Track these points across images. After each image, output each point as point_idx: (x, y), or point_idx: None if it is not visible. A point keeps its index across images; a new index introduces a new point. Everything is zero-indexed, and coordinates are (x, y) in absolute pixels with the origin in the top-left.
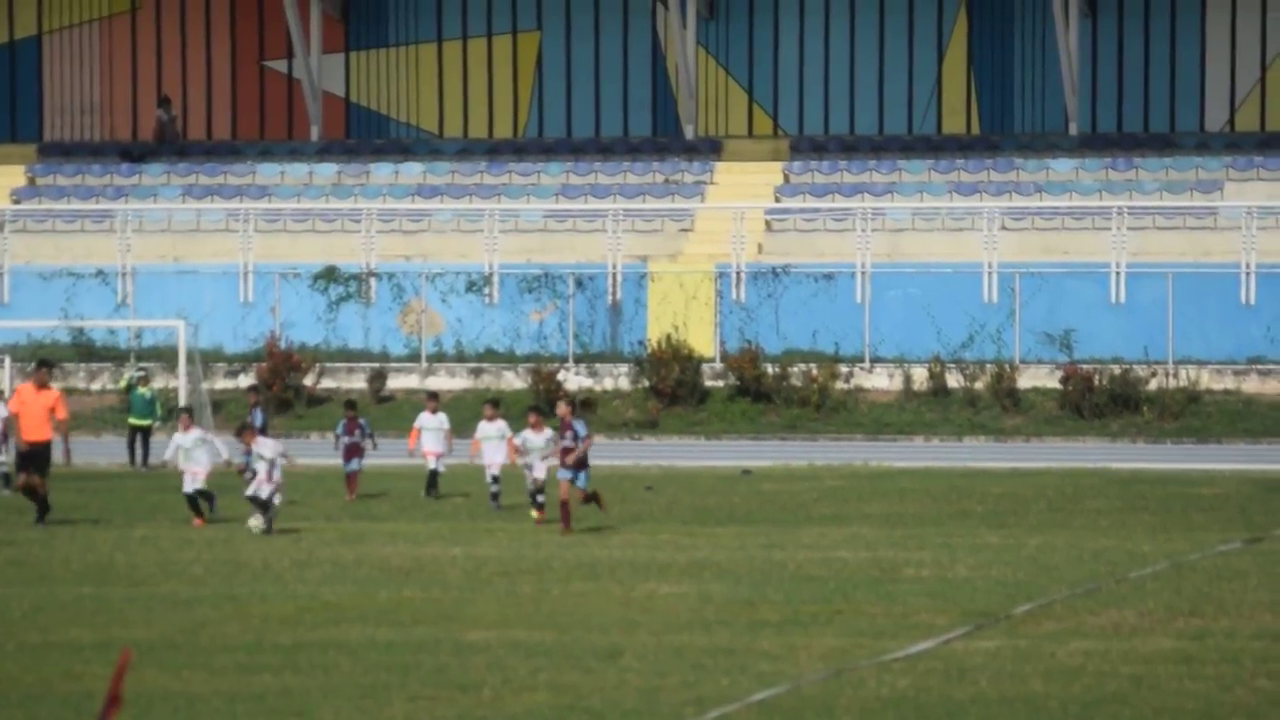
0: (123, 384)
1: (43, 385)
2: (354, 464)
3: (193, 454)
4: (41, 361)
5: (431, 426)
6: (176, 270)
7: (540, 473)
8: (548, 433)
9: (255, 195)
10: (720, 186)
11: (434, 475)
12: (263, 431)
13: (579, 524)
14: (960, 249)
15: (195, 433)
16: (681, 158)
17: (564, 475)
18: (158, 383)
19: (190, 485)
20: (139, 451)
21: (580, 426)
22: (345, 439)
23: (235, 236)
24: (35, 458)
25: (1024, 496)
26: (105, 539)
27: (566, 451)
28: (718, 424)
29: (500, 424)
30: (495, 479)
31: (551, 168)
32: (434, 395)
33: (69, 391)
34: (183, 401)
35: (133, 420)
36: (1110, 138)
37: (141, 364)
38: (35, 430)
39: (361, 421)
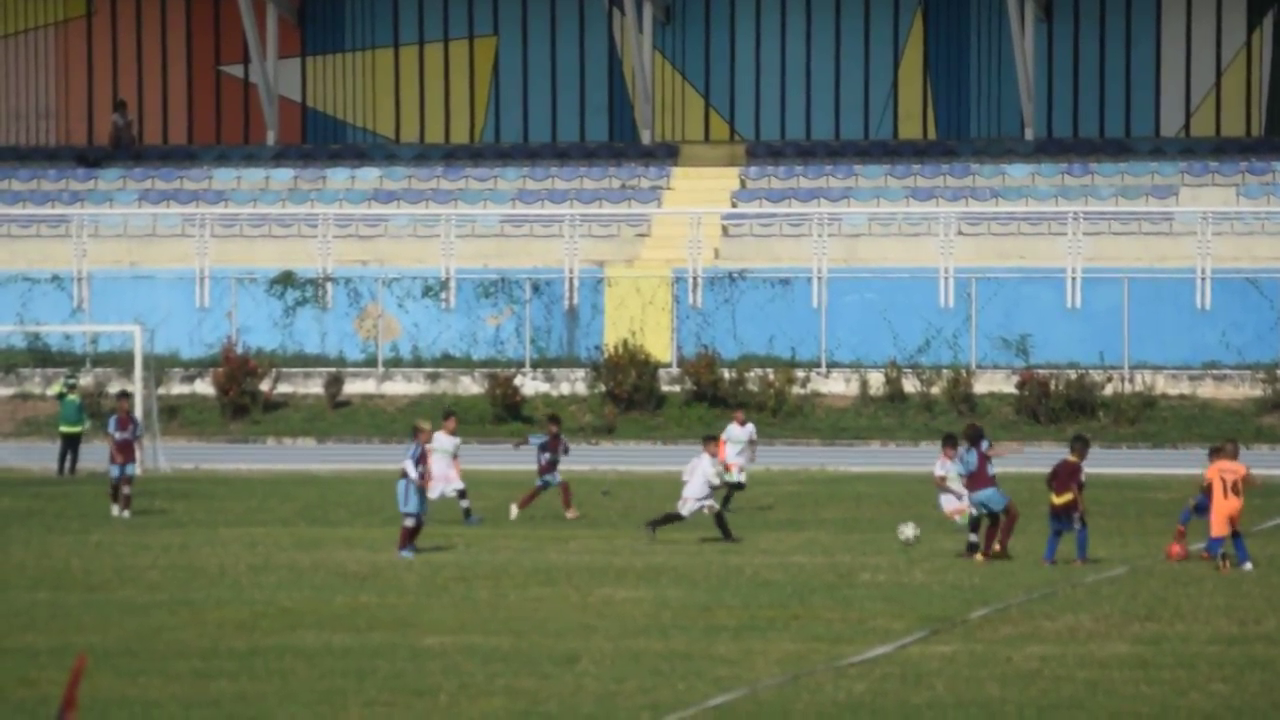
0: (54, 391)
1: None
2: (555, 477)
3: None
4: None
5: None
6: (133, 275)
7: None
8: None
9: (211, 200)
10: (677, 191)
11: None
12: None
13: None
14: (917, 254)
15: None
16: (638, 163)
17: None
18: (114, 388)
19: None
20: (69, 460)
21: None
22: (547, 454)
23: (191, 241)
24: None
25: None
26: (60, 544)
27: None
28: (674, 429)
29: (456, 440)
30: (461, 493)
31: (508, 173)
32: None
33: (24, 397)
34: (139, 407)
35: (63, 428)
36: (1066, 143)
37: (70, 373)
38: None
39: (565, 439)
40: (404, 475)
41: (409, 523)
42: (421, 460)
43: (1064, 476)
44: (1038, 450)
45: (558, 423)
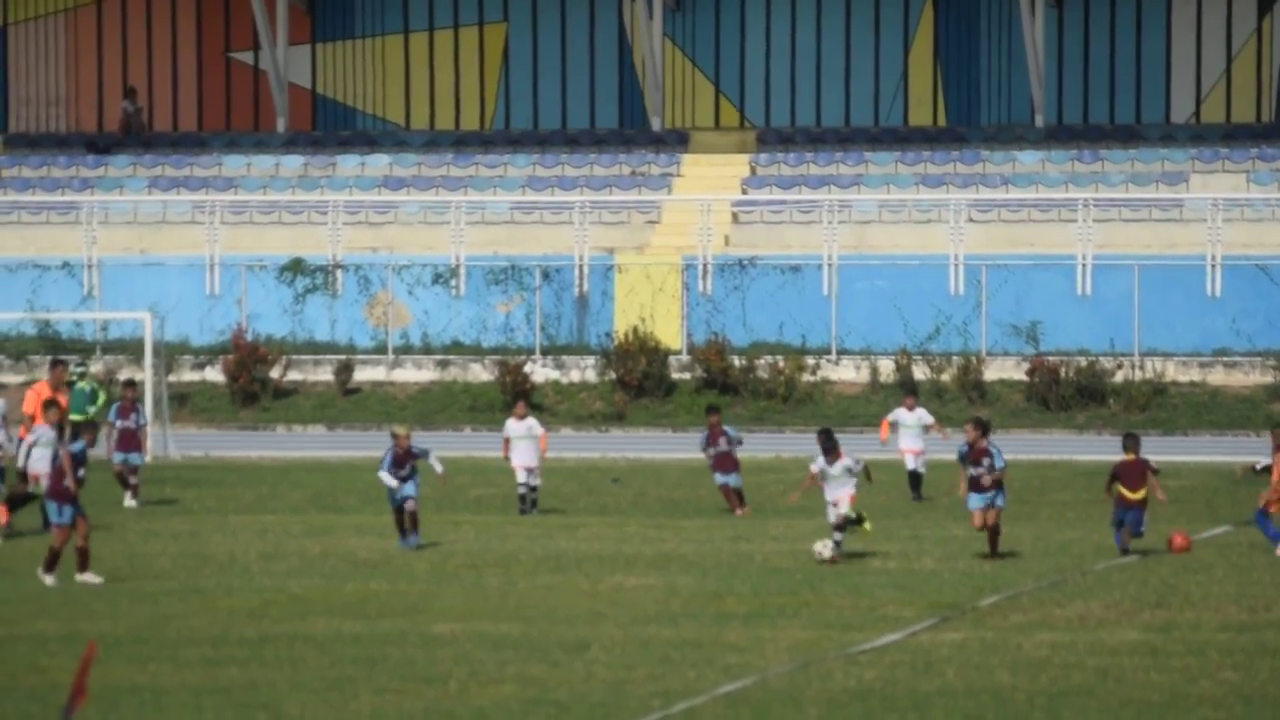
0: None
1: (58, 386)
2: (733, 478)
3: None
4: (56, 360)
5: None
6: (143, 262)
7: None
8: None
9: (221, 187)
10: (687, 178)
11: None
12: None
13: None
14: (927, 241)
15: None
16: (648, 150)
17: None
18: (123, 375)
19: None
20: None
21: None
22: (713, 449)
23: (201, 228)
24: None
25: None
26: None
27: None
28: (684, 416)
29: (530, 421)
30: (528, 481)
31: (518, 160)
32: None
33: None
34: (148, 394)
35: (73, 416)
36: (1076, 130)
37: (79, 359)
38: None
39: (727, 429)
40: (386, 485)
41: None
42: (399, 463)
43: (1135, 474)
44: (1047, 438)
45: (717, 412)
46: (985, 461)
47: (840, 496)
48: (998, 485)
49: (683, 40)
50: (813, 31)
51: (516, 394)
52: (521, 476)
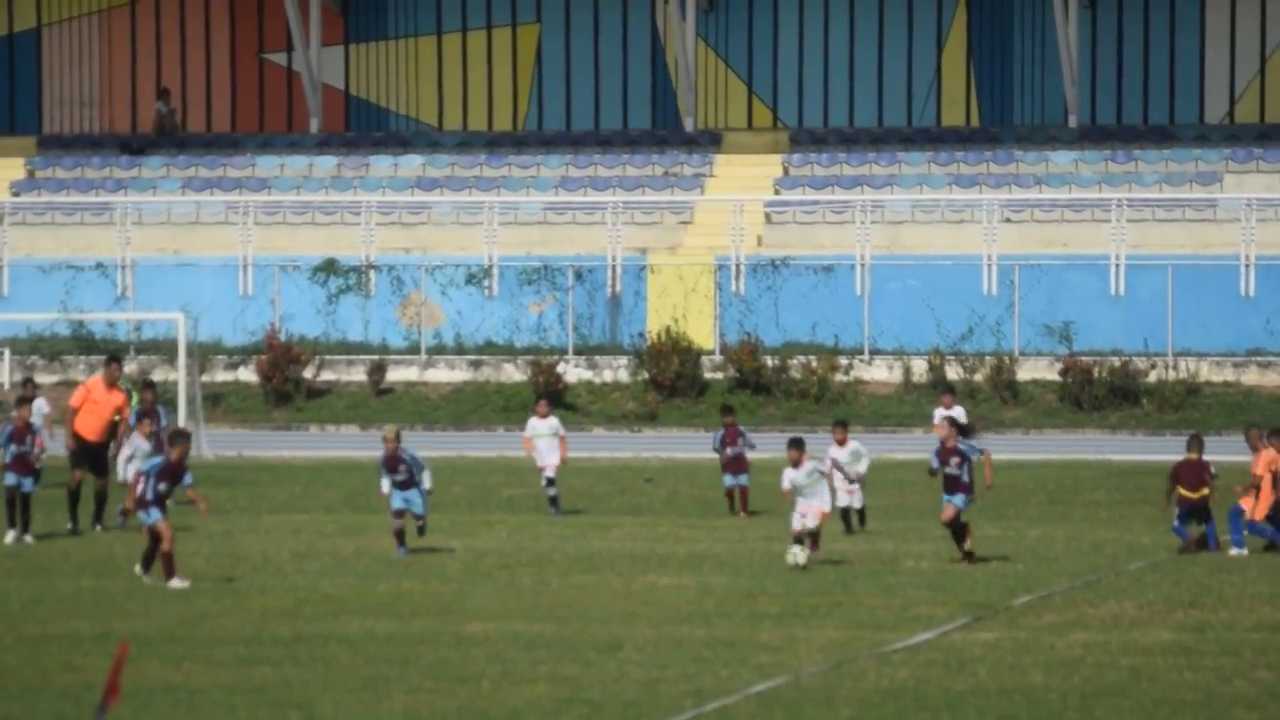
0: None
1: (113, 383)
2: (744, 479)
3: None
4: (112, 357)
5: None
6: (176, 263)
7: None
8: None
9: (254, 188)
10: (719, 179)
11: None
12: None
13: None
14: (960, 241)
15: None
16: (681, 150)
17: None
18: (157, 375)
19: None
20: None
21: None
22: (729, 450)
23: (235, 229)
24: (92, 456)
25: (1023, 489)
26: (104, 532)
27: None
28: (717, 416)
29: (553, 421)
30: (550, 481)
31: (551, 160)
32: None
33: (68, 384)
34: (181, 394)
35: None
36: (1110, 130)
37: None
38: (96, 429)
39: (742, 429)
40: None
41: (395, 524)
42: (390, 467)
43: (1194, 475)
44: (1080, 438)
45: (732, 412)
46: (954, 461)
47: (810, 509)
48: (965, 486)
49: (715, 40)
50: (846, 31)
51: (541, 394)
52: (550, 472)
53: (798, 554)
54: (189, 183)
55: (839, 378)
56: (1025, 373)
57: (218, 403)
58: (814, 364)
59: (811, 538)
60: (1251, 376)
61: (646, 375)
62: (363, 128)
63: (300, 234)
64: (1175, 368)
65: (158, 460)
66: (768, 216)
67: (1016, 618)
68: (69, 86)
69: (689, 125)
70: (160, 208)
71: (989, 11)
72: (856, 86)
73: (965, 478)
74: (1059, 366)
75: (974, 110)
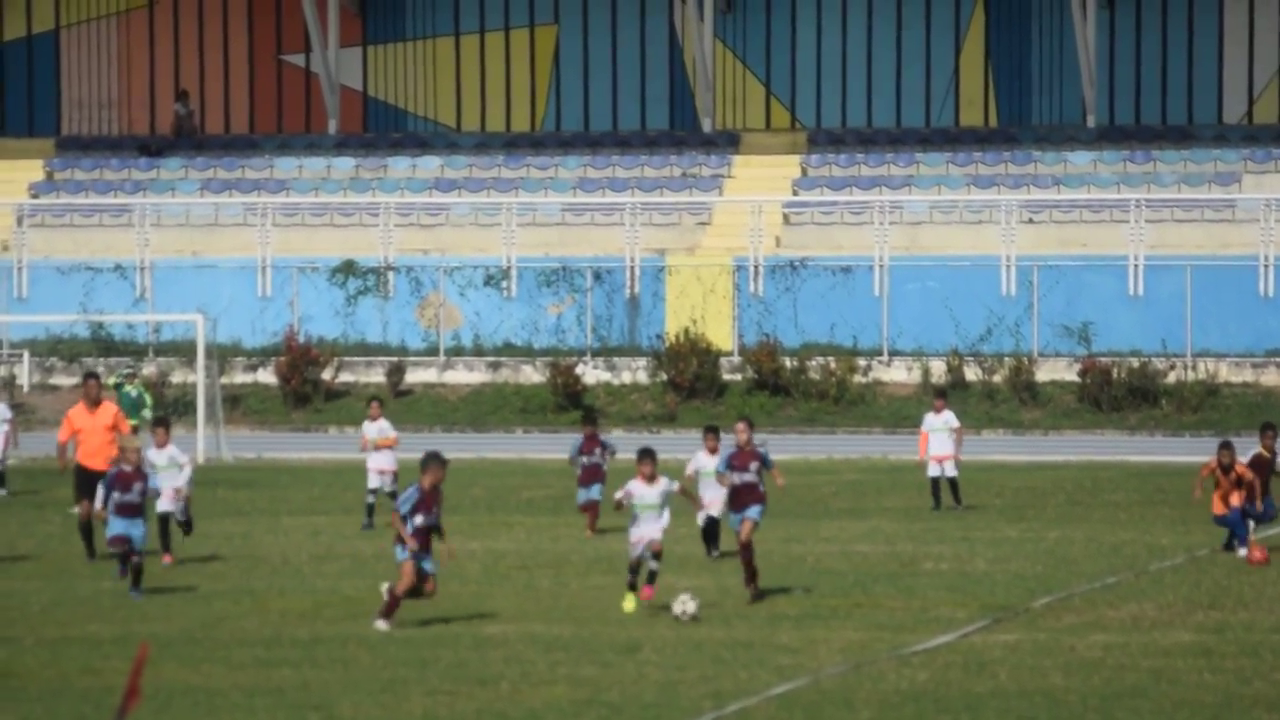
0: (110, 383)
1: (95, 402)
2: (595, 491)
3: (164, 474)
4: (89, 374)
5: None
6: (195, 264)
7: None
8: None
9: (273, 189)
10: (738, 180)
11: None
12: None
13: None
14: (978, 242)
15: (170, 450)
16: (699, 151)
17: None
18: (176, 376)
19: (164, 504)
20: None
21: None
22: (583, 459)
23: (253, 230)
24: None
25: (1042, 490)
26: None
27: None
28: (736, 417)
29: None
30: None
31: (569, 161)
32: (590, 417)
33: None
34: (200, 396)
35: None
36: (1128, 130)
37: (129, 362)
38: (95, 455)
39: (604, 439)
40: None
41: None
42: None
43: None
44: (1099, 438)
45: (594, 422)
46: (753, 466)
47: (644, 535)
48: (758, 496)
49: (733, 41)
50: (863, 32)
51: (582, 411)
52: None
53: (686, 602)
54: (207, 184)
55: (858, 379)
56: (1044, 374)
57: (236, 404)
58: (833, 365)
59: (649, 576)
60: (1271, 377)
61: (665, 376)
62: (381, 129)
63: (319, 235)
64: (1194, 368)
65: (411, 492)
66: (786, 217)
67: (1036, 619)
68: (87, 88)
69: (707, 126)
70: (179, 209)
71: (1007, 12)
72: (874, 87)
73: (761, 486)
74: (1078, 367)
75: (992, 111)
